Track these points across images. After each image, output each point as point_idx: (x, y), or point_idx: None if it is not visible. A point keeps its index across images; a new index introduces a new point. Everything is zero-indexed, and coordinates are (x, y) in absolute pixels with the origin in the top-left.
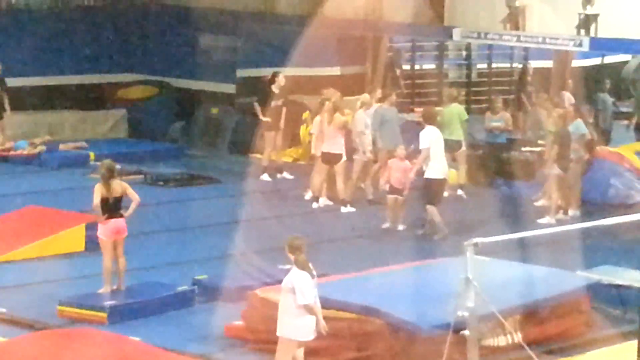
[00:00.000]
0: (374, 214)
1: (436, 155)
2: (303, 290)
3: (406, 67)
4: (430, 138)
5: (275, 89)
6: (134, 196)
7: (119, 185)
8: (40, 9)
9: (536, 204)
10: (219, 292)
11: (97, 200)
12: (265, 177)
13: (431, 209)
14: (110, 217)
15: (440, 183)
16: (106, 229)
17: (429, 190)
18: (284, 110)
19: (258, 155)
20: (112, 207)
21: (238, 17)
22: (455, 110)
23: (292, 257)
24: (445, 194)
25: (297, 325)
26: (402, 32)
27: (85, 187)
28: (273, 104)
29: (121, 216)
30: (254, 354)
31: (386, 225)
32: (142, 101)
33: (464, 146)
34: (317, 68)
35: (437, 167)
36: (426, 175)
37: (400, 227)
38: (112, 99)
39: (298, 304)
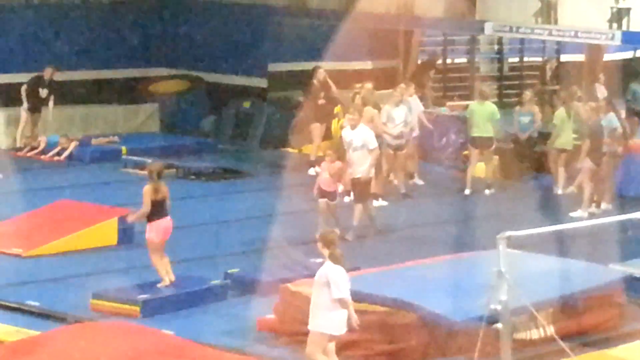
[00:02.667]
0: (406, 207)
1: (364, 154)
2: (339, 284)
3: (438, 61)
4: (364, 137)
5: (316, 82)
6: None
7: (164, 186)
8: (72, 2)
9: (560, 192)
10: (251, 286)
11: (148, 205)
12: (312, 171)
13: (358, 207)
14: (160, 217)
15: (367, 181)
16: (157, 230)
17: (356, 189)
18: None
19: (290, 149)
20: (160, 207)
21: (270, 11)
22: (488, 109)
23: (326, 251)
24: (467, 191)
25: (331, 319)
26: (434, 26)
27: (117, 181)
28: (320, 96)
29: (167, 216)
30: (285, 347)
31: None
32: (173, 95)
33: (494, 144)
34: (349, 62)
35: (364, 166)
36: (353, 175)
37: (349, 236)
38: (144, 93)
39: (333, 298)
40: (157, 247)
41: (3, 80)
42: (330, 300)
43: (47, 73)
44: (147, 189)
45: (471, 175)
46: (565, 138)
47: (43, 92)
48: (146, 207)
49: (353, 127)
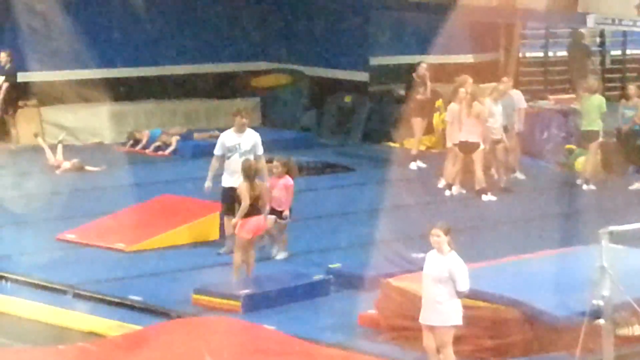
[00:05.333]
0: (508, 201)
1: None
2: (464, 276)
3: (539, 54)
4: (255, 142)
5: (415, 77)
6: (267, 197)
7: (259, 184)
8: None
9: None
10: (353, 281)
11: (247, 200)
12: (414, 165)
13: (227, 220)
14: (253, 215)
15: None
16: (249, 228)
17: (223, 200)
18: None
19: (391, 144)
20: (254, 205)
21: (372, 4)
22: (595, 102)
23: (446, 245)
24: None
25: (455, 310)
26: (535, 18)
27: (219, 176)
28: (420, 91)
29: (260, 213)
30: (387, 343)
31: (282, 254)
32: (275, 90)
33: (600, 137)
34: (450, 55)
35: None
36: (231, 184)
37: (281, 256)
38: (245, 87)
39: (461, 291)
40: (245, 245)
41: (109, 74)
42: (456, 293)
43: (2, 58)
44: (242, 185)
45: (582, 169)
46: None
47: None
48: (245, 202)
49: (240, 129)
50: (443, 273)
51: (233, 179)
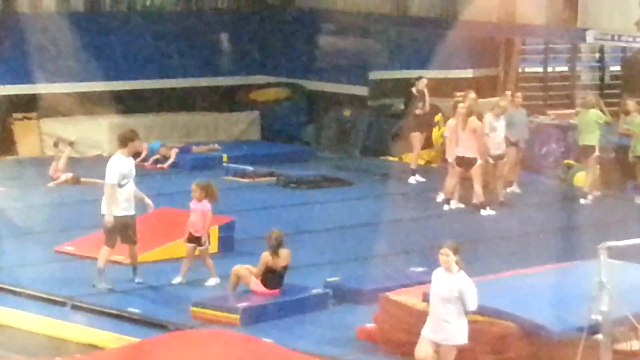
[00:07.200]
0: (510, 216)
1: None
2: (474, 296)
3: (538, 69)
4: (120, 169)
5: (415, 92)
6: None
7: (286, 254)
8: (173, 11)
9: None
10: (351, 295)
11: (261, 271)
12: (412, 179)
13: (109, 252)
14: (277, 288)
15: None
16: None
17: (130, 229)
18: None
19: (390, 158)
20: (279, 277)
21: (370, 20)
22: (592, 117)
23: (454, 264)
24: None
25: (462, 328)
26: (535, 34)
27: (218, 189)
28: (419, 106)
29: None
30: (385, 356)
31: (213, 281)
32: (274, 103)
33: (597, 151)
34: (449, 70)
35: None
36: (125, 213)
37: (211, 282)
38: (244, 101)
39: (469, 311)
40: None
41: (108, 87)
42: (462, 311)
43: None
44: (265, 255)
45: (583, 184)
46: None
47: None
48: (258, 272)
49: (130, 154)
50: (452, 292)
51: (129, 205)
